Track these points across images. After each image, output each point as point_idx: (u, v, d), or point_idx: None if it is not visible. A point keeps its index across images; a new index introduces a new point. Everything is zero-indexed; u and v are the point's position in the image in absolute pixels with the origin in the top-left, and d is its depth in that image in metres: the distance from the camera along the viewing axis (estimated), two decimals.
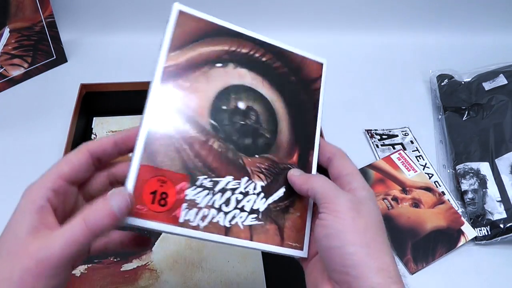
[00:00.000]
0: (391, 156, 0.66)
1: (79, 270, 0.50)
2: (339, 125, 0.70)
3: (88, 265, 0.51)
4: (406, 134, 0.70)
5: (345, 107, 0.74)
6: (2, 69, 0.70)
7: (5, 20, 0.67)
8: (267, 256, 0.53)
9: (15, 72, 0.72)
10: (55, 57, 0.76)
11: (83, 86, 0.67)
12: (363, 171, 0.64)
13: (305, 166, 0.38)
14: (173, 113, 0.34)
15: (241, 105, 0.37)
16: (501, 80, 0.71)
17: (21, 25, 0.69)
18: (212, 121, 0.35)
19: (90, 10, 0.80)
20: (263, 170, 0.36)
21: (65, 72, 0.77)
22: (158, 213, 0.31)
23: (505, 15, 0.88)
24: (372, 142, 0.68)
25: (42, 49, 0.74)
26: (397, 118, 0.72)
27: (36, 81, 0.75)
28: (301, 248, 0.37)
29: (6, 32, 0.68)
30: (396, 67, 0.82)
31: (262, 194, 0.36)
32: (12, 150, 0.64)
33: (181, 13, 0.37)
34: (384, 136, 0.69)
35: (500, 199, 0.59)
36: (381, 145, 0.68)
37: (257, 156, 0.36)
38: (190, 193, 0.33)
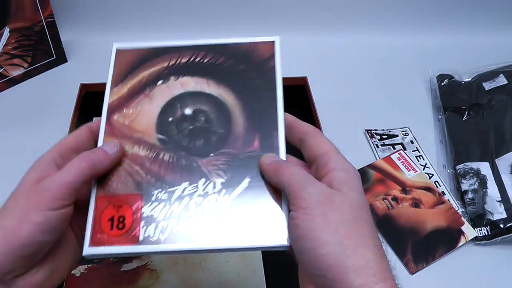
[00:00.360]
0: (391, 156, 0.66)
1: (79, 270, 0.50)
2: (339, 125, 0.70)
3: (88, 265, 0.51)
4: (406, 134, 0.70)
5: (345, 107, 0.74)
6: (2, 69, 0.70)
7: (5, 20, 0.67)
8: (267, 256, 0.53)
9: (15, 72, 0.72)
10: (55, 57, 0.76)
11: (83, 86, 0.67)
12: (363, 171, 0.64)
13: (271, 151, 0.36)
14: (122, 142, 0.36)
15: (188, 111, 0.37)
16: (501, 80, 0.71)
17: (21, 25, 0.69)
18: (160, 136, 0.36)
19: (90, 10, 0.80)
20: (221, 166, 0.35)
21: (65, 72, 0.77)
22: (117, 237, 0.33)
23: (505, 15, 0.88)
24: (372, 142, 0.68)
25: (42, 49, 0.74)
26: (397, 118, 0.72)
27: (36, 81, 0.75)
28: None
29: (6, 32, 0.68)
30: (396, 67, 0.82)
31: (224, 191, 0.34)
32: (12, 150, 0.64)
33: (118, 51, 0.40)
34: (384, 136, 0.69)
35: (500, 199, 0.59)
36: (381, 145, 0.68)
37: (212, 154, 0.36)
38: (146, 210, 0.34)
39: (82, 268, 0.50)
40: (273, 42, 0.41)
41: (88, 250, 0.32)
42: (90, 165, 0.32)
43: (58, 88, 0.73)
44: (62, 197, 0.30)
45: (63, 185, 0.30)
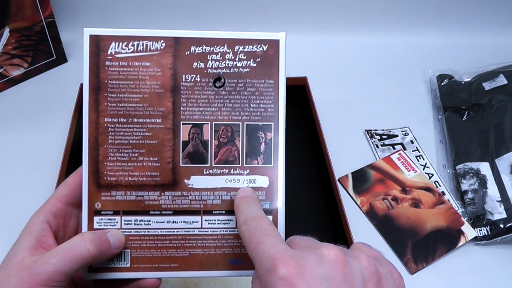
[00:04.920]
0: (391, 156, 0.66)
1: None
2: (339, 125, 0.70)
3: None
4: (406, 134, 0.70)
5: (345, 107, 0.74)
6: (2, 69, 0.70)
7: (5, 20, 0.67)
8: None
9: (15, 72, 0.72)
10: (55, 57, 0.76)
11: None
12: (363, 171, 0.64)
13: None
14: None
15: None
16: (501, 80, 0.71)
17: (21, 25, 0.69)
18: None
19: (90, 10, 0.80)
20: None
21: (65, 72, 0.77)
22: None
23: (505, 15, 0.88)
24: (372, 142, 0.68)
25: (42, 49, 0.74)
26: (397, 118, 0.72)
27: (36, 81, 0.75)
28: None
29: (6, 32, 0.68)
30: (396, 67, 0.82)
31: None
32: (12, 150, 0.64)
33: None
34: (384, 136, 0.69)
35: (500, 199, 0.59)
36: (381, 145, 0.68)
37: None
38: None
39: None
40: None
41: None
42: (92, 257, 0.31)
43: (58, 88, 0.73)
44: (54, 284, 0.30)
45: (57, 273, 0.30)
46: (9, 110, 0.70)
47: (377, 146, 0.68)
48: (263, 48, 0.35)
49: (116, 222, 0.35)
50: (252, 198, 0.33)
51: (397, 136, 0.70)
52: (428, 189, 0.62)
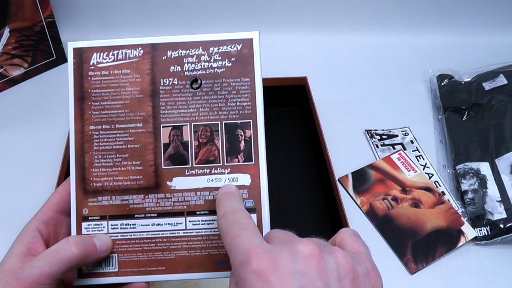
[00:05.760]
0: (391, 156, 0.66)
1: None
2: (339, 125, 0.70)
3: None
4: (406, 134, 0.70)
5: (345, 107, 0.74)
6: (2, 69, 0.70)
7: (5, 20, 0.67)
8: None
9: (15, 72, 0.72)
10: (55, 57, 0.76)
11: None
12: (363, 171, 0.64)
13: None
14: None
15: None
16: (501, 80, 0.71)
17: (21, 25, 0.69)
18: None
19: (90, 10, 0.80)
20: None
21: (65, 72, 0.76)
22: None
23: (505, 15, 0.88)
24: (372, 142, 0.68)
25: (42, 49, 0.74)
26: (397, 118, 0.72)
27: (36, 81, 0.75)
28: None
29: (6, 32, 0.68)
30: (396, 67, 0.82)
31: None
32: (12, 150, 0.64)
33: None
34: (384, 136, 0.69)
35: (500, 199, 0.59)
36: (381, 145, 0.68)
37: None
38: None
39: None
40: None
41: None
42: (77, 259, 0.32)
43: (58, 88, 0.73)
44: (41, 287, 0.30)
45: (43, 276, 0.30)
46: (9, 110, 0.70)
47: (377, 146, 0.68)
48: (237, 47, 0.36)
49: (103, 227, 0.35)
50: (233, 194, 0.33)
51: (397, 136, 0.70)
52: (428, 189, 0.62)
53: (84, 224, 0.35)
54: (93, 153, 0.35)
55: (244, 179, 0.35)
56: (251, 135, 0.35)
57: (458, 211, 0.60)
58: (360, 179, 0.63)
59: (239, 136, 0.35)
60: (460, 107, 0.71)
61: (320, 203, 0.60)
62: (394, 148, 0.68)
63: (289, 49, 0.84)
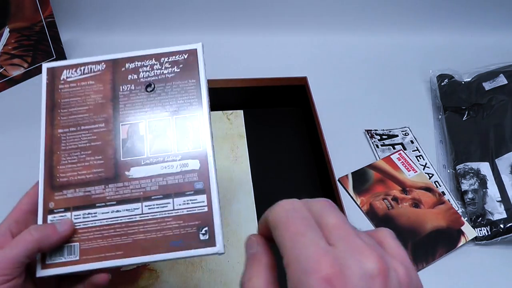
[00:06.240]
0: (391, 156, 0.66)
1: None
2: (339, 125, 0.70)
3: None
4: (406, 134, 0.70)
5: (345, 107, 0.74)
6: (2, 69, 0.70)
7: (5, 20, 0.67)
8: None
9: (15, 72, 0.72)
10: (55, 57, 0.76)
11: None
12: (363, 171, 0.64)
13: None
14: None
15: None
16: (501, 80, 0.71)
17: (21, 25, 0.69)
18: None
19: (90, 10, 0.80)
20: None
21: None
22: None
23: (505, 15, 0.88)
24: (372, 142, 0.68)
25: (42, 49, 0.74)
26: (397, 118, 0.72)
27: (36, 81, 0.75)
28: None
29: (6, 32, 0.68)
30: (396, 67, 0.82)
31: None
32: (12, 150, 0.64)
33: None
34: (384, 136, 0.69)
35: (500, 199, 0.59)
36: (381, 145, 0.68)
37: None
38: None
39: None
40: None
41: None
42: (37, 241, 0.34)
43: None
44: (4, 272, 0.32)
45: (5, 260, 0.32)
46: (9, 110, 0.70)
47: (377, 146, 0.68)
48: (184, 56, 0.42)
49: (67, 218, 0.38)
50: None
51: (397, 136, 0.70)
52: (428, 189, 0.62)
53: (49, 217, 0.38)
54: (61, 153, 0.40)
55: (194, 163, 0.38)
56: (198, 126, 0.40)
57: (458, 211, 0.60)
58: (360, 179, 0.63)
59: (188, 127, 0.40)
60: (460, 107, 0.71)
61: None
62: (394, 148, 0.68)
63: (289, 49, 0.84)
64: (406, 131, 0.70)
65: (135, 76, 0.42)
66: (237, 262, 0.52)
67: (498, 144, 0.64)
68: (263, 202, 0.58)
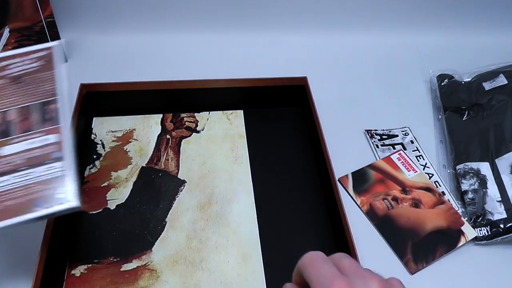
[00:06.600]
0: (391, 156, 0.66)
1: (78, 270, 0.50)
2: (339, 125, 0.70)
3: (88, 265, 0.51)
4: (406, 134, 0.70)
5: (345, 107, 0.74)
6: None
7: (5, 20, 0.67)
8: (267, 256, 0.53)
9: None
10: None
11: (83, 86, 0.66)
12: (363, 171, 0.64)
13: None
14: None
15: None
16: (501, 80, 0.71)
17: (21, 25, 0.69)
18: None
19: (90, 10, 0.80)
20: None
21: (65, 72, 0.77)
22: None
23: (505, 15, 0.88)
24: (372, 142, 0.68)
25: None
26: (397, 118, 0.72)
27: None
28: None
29: (6, 32, 0.68)
30: (396, 67, 0.82)
31: None
32: None
33: None
34: (384, 136, 0.69)
35: (500, 199, 0.59)
36: (381, 145, 0.68)
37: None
38: None
39: (82, 268, 0.50)
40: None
41: None
42: None
43: None
44: None
45: None
46: None
47: (377, 146, 0.68)
48: (44, 53, 0.50)
49: None
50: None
51: (397, 136, 0.70)
52: (428, 189, 0.62)
53: None
54: None
55: (54, 138, 0.45)
56: (57, 108, 0.47)
57: (458, 211, 0.60)
58: (360, 179, 0.63)
59: (50, 109, 0.47)
60: (460, 107, 0.71)
61: (320, 203, 0.60)
62: (394, 148, 0.68)
63: (289, 49, 0.84)
64: (406, 131, 0.70)
65: (5, 73, 0.49)
66: (237, 262, 0.52)
67: (498, 144, 0.64)
68: (263, 202, 0.58)
